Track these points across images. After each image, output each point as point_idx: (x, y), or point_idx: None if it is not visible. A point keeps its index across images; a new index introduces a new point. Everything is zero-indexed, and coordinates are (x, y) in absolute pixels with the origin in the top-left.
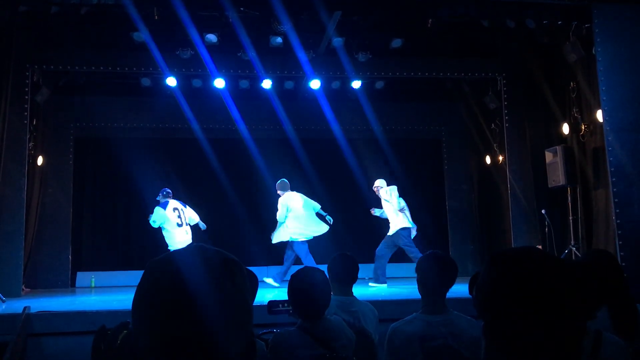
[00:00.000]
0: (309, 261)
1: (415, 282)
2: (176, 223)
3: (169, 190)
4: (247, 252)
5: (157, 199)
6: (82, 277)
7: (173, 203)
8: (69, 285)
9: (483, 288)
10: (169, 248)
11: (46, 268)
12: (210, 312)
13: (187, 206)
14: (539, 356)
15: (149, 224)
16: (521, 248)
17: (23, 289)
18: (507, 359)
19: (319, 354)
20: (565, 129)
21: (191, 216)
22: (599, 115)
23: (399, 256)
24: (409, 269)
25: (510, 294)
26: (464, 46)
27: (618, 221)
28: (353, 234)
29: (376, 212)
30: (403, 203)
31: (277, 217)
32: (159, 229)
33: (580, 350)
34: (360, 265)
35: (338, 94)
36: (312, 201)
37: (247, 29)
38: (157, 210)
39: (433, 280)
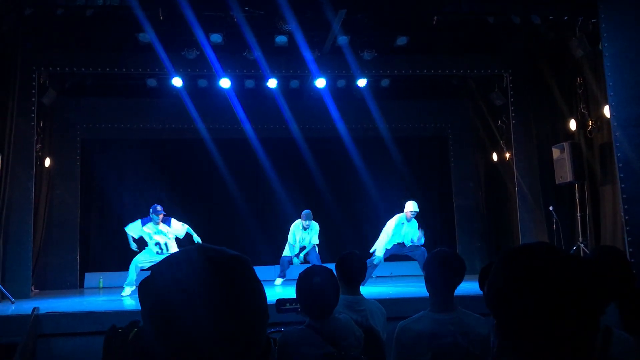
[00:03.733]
0: None
1: (422, 280)
2: (155, 251)
3: (158, 209)
4: (253, 251)
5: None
6: (90, 278)
7: (154, 230)
8: (77, 286)
9: (495, 285)
10: (136, 263)
11: (55, 269)
12: (221, 312)
13: (171, 223)
14: (552, 354)
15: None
16: (533, 244)
17: (32, 290)
18: (519, 357)
19: (327, 352)
20: (572, 125)
21: (177, 233)
22: (606, 110)
23: (403, 255)
24: (413, 267)
25: (523, 291)
26: (469, 43)
27: (626, 217)
28: (359, 233)
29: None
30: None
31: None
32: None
33: (593, 347)
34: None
35: (343, 93)
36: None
37: (252, 29)
38: (136, 222)
39: (441, 278)
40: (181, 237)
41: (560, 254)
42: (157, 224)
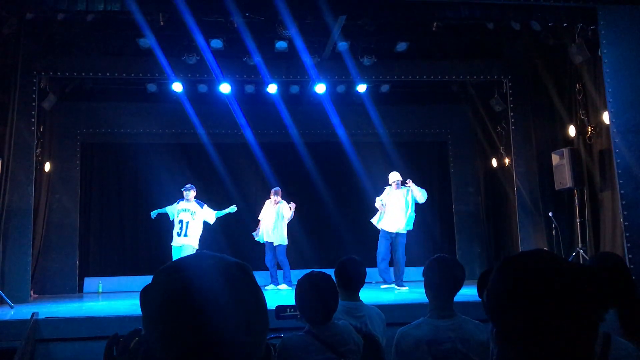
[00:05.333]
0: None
1: (422, 286)
2: (176, 232)
3: (188, 187)
4: (252, 256)
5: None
6: (90, 283)
7: (185, 206)
8: (76, 291)
9: (494, 294)
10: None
11: (54, 274)
12: (224, 319)
13: (204, 206)
14: None
15: (156, 228)
16: (531, 252)
17: (31, 295)
18: None
19: (327, 358)
20: (572, 131)
21: (207, 218)
22: (606, 117)
23: (406, 260)
24: (413, 272)
25: (522, 298)
26: (469, 49)
27: (626, 223)
28: (358, 238)
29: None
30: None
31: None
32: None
33: (593, 353)
34: (366, 270)
35: (343, 98)
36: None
37: (252, 34)
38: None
39: (440, 284)
40: (211, 224)
41: (558, 262)
42: (188, 200)
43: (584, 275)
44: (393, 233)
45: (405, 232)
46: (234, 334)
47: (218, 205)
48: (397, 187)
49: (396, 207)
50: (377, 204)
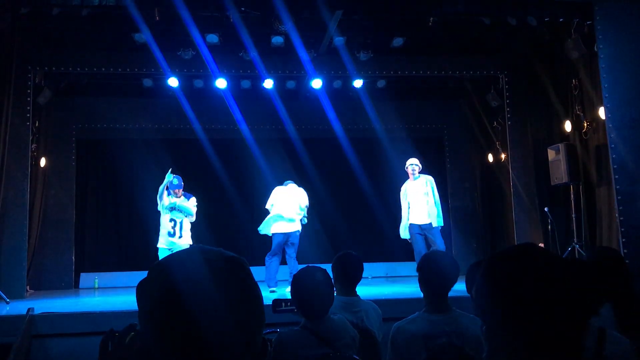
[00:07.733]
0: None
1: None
2: (167, 232)
3: (175, 182)
4: (249, 252)
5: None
6: (86, 278)
7: (175, 201)
8: (72, 286)
9: (483, 291)
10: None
11: (50, 269)
12: (219, 314)
13: (190, 198)
14: (542, 355)
15: (152, 224)
16: (519, 247)
17: (27, 290)
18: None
19: (323, 353)
20: (568, 126)
21: (190, 210)
22: (602, 112)
23: (402, 255)
24: (409, 267)
25: (510, 296)
26: (465, 44)
27: (621, 218)
28: (355, 233)
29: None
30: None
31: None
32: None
33: (582, 347)
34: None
35: (340, 93)
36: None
37: (248, 29)
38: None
39: (435, 279)
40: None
41: (546, 256)
42: (178, 196)
43: (573, 270)
44: (423, 225)
45: (437, 225)
46: (229, 328)
47: (214, 202)
48: (413, 175)
49: (417, 197)
50: (404, 209)
